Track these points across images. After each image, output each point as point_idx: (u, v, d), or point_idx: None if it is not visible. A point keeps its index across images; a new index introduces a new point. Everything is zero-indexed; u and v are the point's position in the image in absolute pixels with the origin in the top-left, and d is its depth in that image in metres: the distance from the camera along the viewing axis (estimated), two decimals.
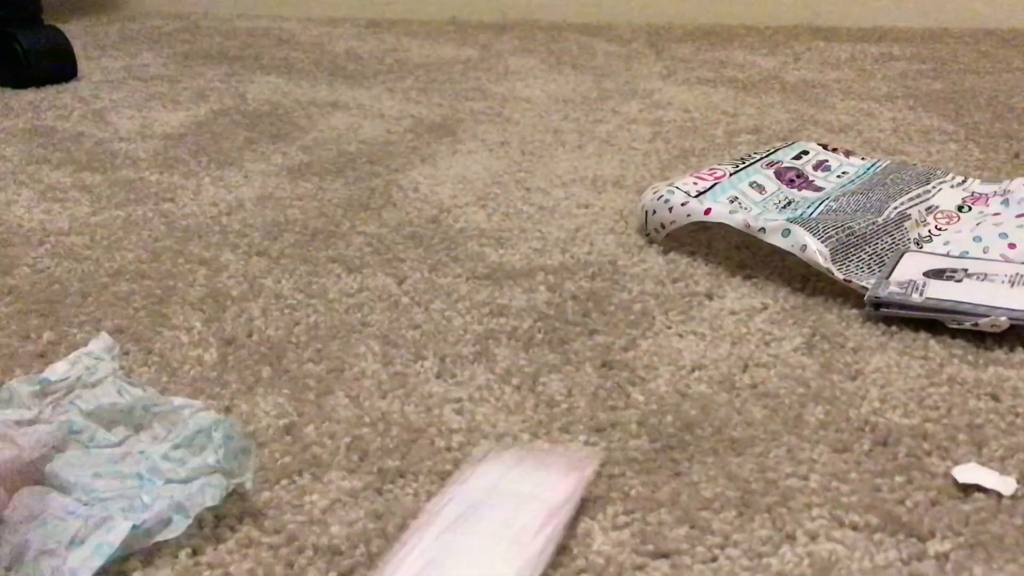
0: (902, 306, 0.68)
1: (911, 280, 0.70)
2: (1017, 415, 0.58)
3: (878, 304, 0.69)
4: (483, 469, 0.51)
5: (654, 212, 0.82)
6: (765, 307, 0.72)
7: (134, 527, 0.46)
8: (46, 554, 0.45)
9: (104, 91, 1.33)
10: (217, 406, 0.60)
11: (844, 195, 0.83)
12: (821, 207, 0.81)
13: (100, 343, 0.58)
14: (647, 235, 0.84)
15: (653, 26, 1.82)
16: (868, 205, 0.81)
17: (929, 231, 0.79)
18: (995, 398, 0.60)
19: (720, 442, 0.56)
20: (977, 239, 0.76)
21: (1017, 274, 0.69)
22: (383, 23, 1.87)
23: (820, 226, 0.74)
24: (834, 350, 0.66)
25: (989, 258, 0.73)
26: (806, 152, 0.93)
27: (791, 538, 0.48)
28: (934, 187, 0.85)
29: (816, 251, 0.72)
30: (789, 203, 0.84)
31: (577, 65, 1.50)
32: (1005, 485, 0.52)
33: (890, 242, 0.76)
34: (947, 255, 0.74)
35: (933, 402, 0.60)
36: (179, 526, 0.47)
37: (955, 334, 0.67)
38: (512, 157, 1.06)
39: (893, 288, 0.69)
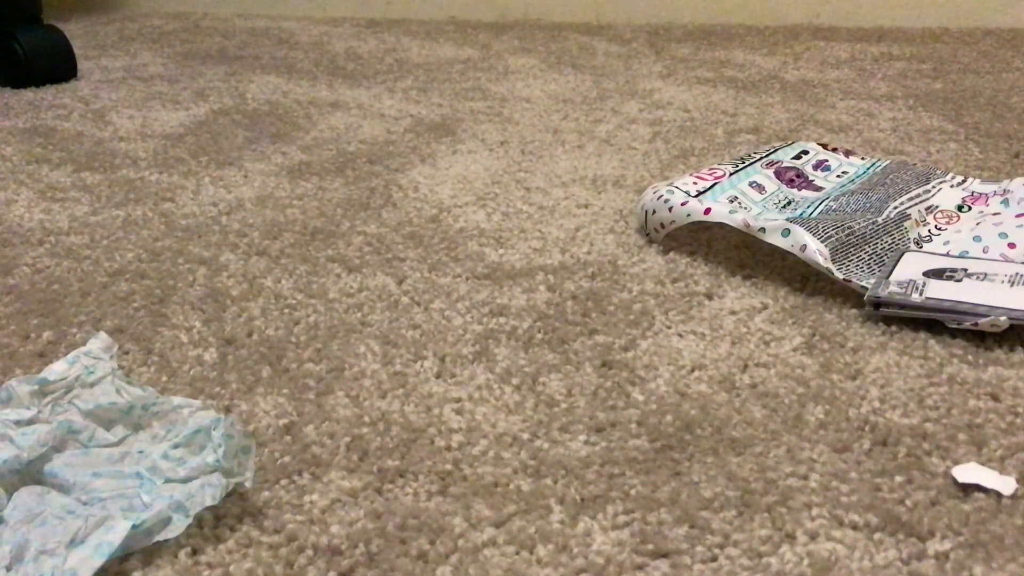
0: (902, 306, 0.68)
1: (911, 280, 0.70)
2: (1017, 415, 0.58)
3: (878, 304, 0.69)
4: None
5: (654, 212, 0.82)
6: (765, 307, 0.72)
7: (134, 526, 0.46)
8: (46, 554, 0.45)
9: (104, 91, 1.33)
10: (217, 406, 0.60)
11: (844, 195, 0.83)
12: (821, 207, 0.81)
13: (98, 343, 0.58)
14: (647, 235, 0.84)
15: (653, 26, 1.82)
16: (868, 205, 0.81)
17: (929, 231, 0.79)
18: (995, 398, 0.60)
19: (720, 442, 0.56)
20: (977, 239, 0.76)
21: (1017, 274, 0.69)
22: (383, 23, 1.87)
23: (820, 226, 0.74)
24: (834, 350, 0.66)
25: (989, 258, 0.73)
26: (806, 152, 0.93)
27: (791, 538, 0.48)
28: (934, 187, 0.85)
29: (816, 251, 0.72)
30: (789, 203, 0.84)
31: (577, 65, 1.50)
32: (1005, 485, 0.52)
33: (890, 242, 0.76)
34: (947, 255, 0.74)
35: (933, 402, 0.60)
36: (179, 525, 0.47)
37: (955, 334, 0.67)
38: (512, 157, 1.06)
39: (893, 288, 0.69)
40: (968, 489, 0.52)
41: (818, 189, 0.86)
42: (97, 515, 0.46)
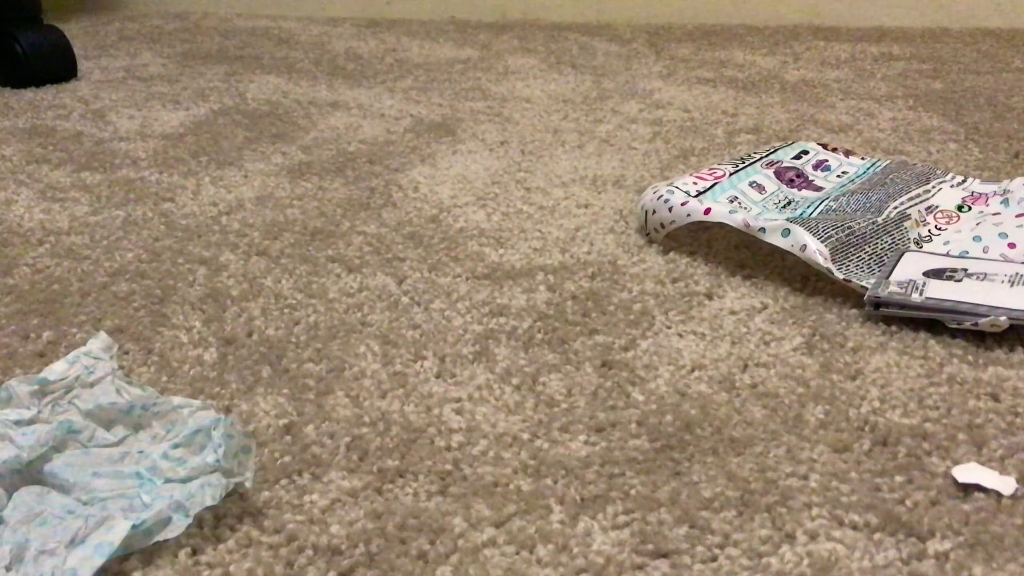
0: (902, 306, 0.68)
1: (911, 280, 0.70)
2: (1017, 415, 0.58)
3: (878, 304, 0.69)
4: None
5: (654, 212, 0.82)
6: (765, 307, 0.72)
7: (134, 526, 0.46)
8: (46, 554, 0.45)
9: (104, 91, 1.33)
10: (217, 406, 0.60)
11: (844, 195, 0.83)
12: (821, 207, 0.81)
13: (98, 342, 0.58)
14: (647, 235, 0.84)
15: (653, 26, 1.82)
16: (868, 205, 0.81)
17: (929, 231, 0.79)
18: (995, 398, 0.60)
19: (720, 442, 0.56)
20: (977, 239, 0.76)
21: (1017, 274, 0.69)
22: (383, 23, 1.87)
23: (820, 226, 0.74)
24: (834, 350, 0.66)
25: (989, 258, 0.73)
26: (806, 152, 0.93)
27: (791, 538, 0.48)
28: (934, 187, 0.85)
29: (816, 251, 0.72)
30: (789, 203, 0.84)
31: (577, 65, 1.50)
32: (1005, 485, 0.52)
33: (890, 242, 0.76)
34: (947, 255, 0.74)
35: (933, 402, 0.60)
36: (179, 525, 0.47)
37: (955, 334, 0.67)
38: (512, 157, 1.06)
39: (893, 288, 0.69)
40: (968, 489, 0.52)
41: (818, 189, 0.86)
42: (97, 515, 0.46)
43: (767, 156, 0.91)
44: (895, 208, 0.81)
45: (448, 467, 0.54)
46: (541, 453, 0.55)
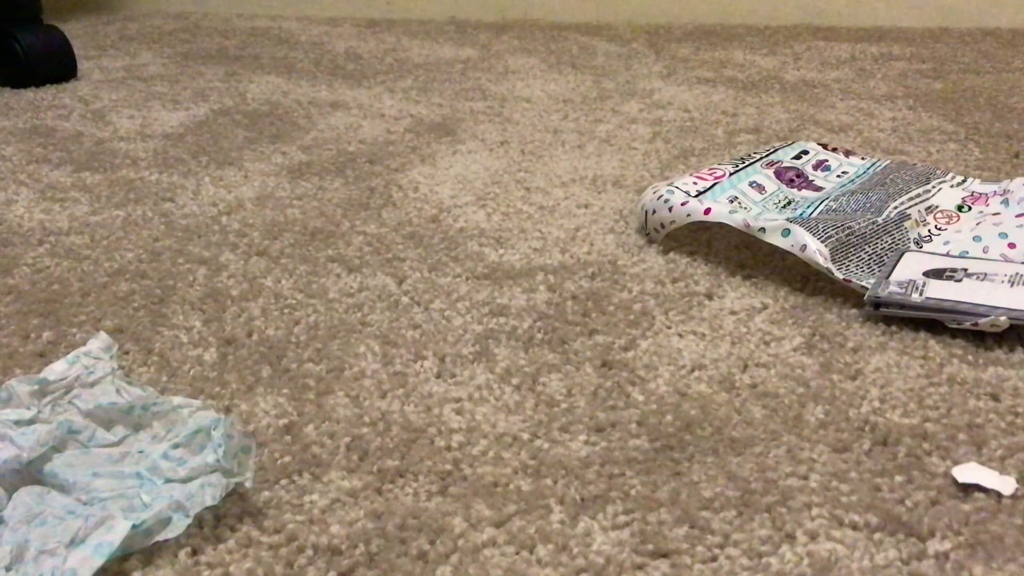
0: (902, 306, 0.68)
1: (911, 280, 0.70)
2: (1017, 415, 0.58)
3: (878, 304, 0.69)
4: None
5: (654, 212, 0.82)
6: (765, 307, 0.71)
7: (134, 526, 0.46)
8: (46, 554, 0.45)
9: (104, 91, 1.33)
10: (217, 406, 0.60)
11: (844, 195, 0.83)
12: (821, 207, 0.81)
13: (98, 342, 0.58)
14: (647, 235, 0.84)
15: (653, 26, 1.82)
16: (868, 205, 0.81)
17: (929, 231, 0.79)
18: (995, 398, 0.60)
19: (720, 442, 0.56)
20: (977, 239, 0.76)
21: (1017, 274, 0.69)
22: (383, 23, 1.87)
23: (820, 226, 0.74)
24: (834, 350, 0.66)
25: (989, 258, 0.73)
26: (806, 152, 0.93)
27: (791, 538, 0.48)
28: (934, 187, 0.85)
29: (816, 251, 0.72)
30: (789, 203, 0.84)
31: (577, 65, 1.50)
32: (1005, 485, 0.52)
33: (890, 242, 0.76)
34: (947, 255, 0.74)
35: (933, 402, 0.60)
36: (179, 525, 0.47)
37: (955, 334, 0.67)
38: (512, 157, 1.06)
39: (893, 288, 0.69)
40: (968, 489, 0.52)
41: (818, 189, 0.86)
42: (97, 515, 0.46)
43: (767, 156, 0.91)
44: (895, 208, 0.81)
45: (448, 467, 0.54)
46: (541, 453, 0.55)
